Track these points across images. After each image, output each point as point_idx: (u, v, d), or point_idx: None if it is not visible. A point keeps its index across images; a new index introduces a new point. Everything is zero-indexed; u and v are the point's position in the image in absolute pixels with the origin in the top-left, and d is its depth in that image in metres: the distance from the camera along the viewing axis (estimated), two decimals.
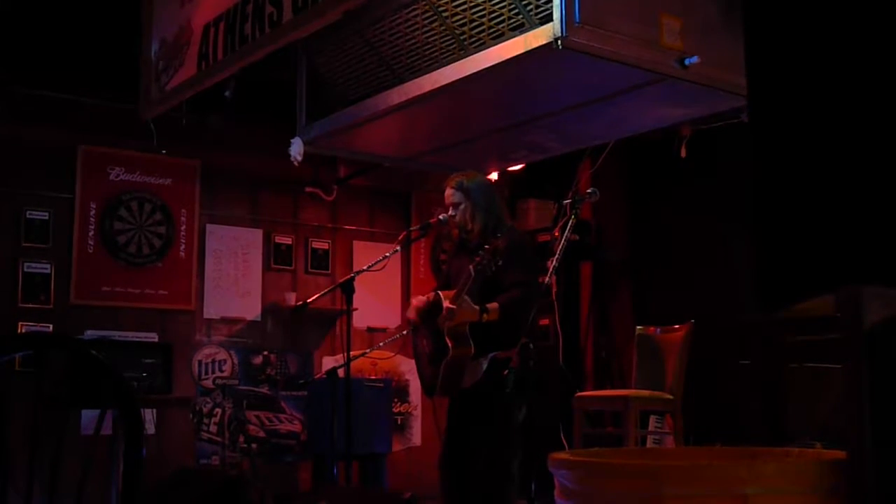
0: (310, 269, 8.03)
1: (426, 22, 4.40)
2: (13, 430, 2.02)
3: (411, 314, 4.86)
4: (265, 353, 7.72)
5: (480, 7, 4.12)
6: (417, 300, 4.87)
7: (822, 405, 4.99)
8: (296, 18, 4.81)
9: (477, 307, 4.41)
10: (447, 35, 4.32)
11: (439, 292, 4.65)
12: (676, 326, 5.95)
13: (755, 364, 5.70)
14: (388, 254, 5.26)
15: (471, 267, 4.38)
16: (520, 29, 3.95)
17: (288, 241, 7.97)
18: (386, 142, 5.69)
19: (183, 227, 7.49)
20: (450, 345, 4.49)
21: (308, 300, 5.95)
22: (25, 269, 6.80)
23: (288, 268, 7.94)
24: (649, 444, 6.61)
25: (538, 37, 3.82)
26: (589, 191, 4.66)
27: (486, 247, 4.35)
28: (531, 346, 4.19)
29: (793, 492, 1.97)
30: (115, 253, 7.17)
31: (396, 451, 7.79)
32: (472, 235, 4.65)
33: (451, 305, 4.41)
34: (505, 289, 4.49)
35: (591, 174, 7.34)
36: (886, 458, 1.83)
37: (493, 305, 4.44)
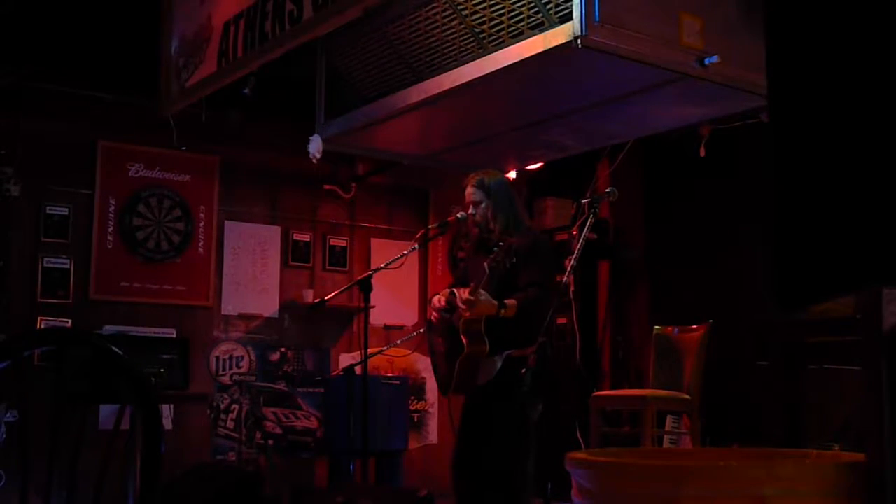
0: (327, 267, 8.05)
1: (446, 20, 4.40)
2: (32, 425, 2.03)
3: (433, 315, 4.84)
4: (282, 349, 7.73)
5: (500, 5, 4.12)
6: (437, 300, 4.84)
7: (841, 407, 4.97)
8: (316, 16, 4.82)
9: (495, 302, 4.41)
10: (467, 33, 4.32)
11: (454, 289, 4.66)
12: (694, 326, 5.93)
13: (773, 365, 5.66)
14: (405, 251, 5.27)
15: (485, 264, 4.38)
16: (539, 27, 3.95)
17: (306, 238, 7.99)
18: (404, 140, 5.69)
19: (201, 224, 7.51)
20: (464, 342, 4.49)
21: (325, 297, 5.97)
22: (45, 265, 6.84)
23: (306, 265, 7.96)
24: (666, 444, 6.60)
25: (557, 35, 3.82)
26: (607, 190, 4.63)
27: (501, 244, 4.35)
28: (548, 345, 4.19)
29: (811, 494, 1.96)
30: (133, 249, 7.20)
31: (413, 448, 7.79)
32: (492, 235, 4.63)
33: (469, 297, 4.40)
34: (522, 288, 4.49)
35: (610, 173, 7.33)
36: None
37: (511, 302, 4.44)
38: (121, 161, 7.23)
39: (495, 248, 4.37)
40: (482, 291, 4.39)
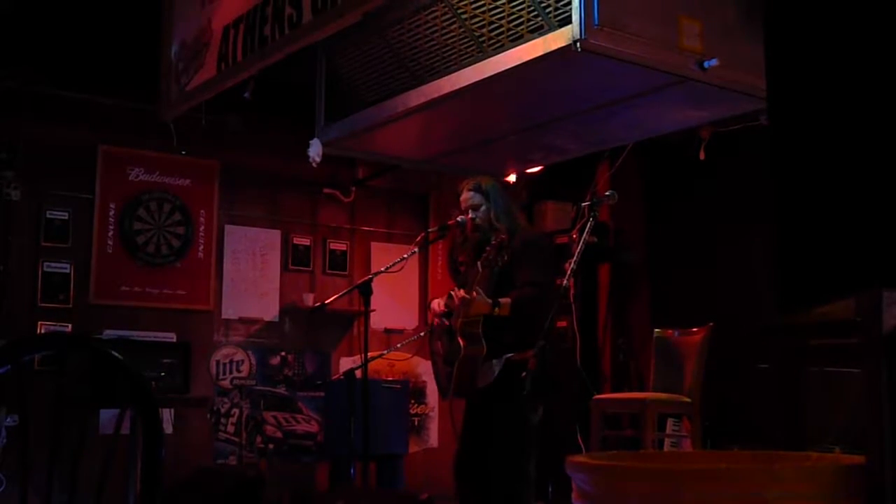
0: (327, 270, 8.05)
1: (445, 24, 4.40)
2: (33, 429, 2.03)
3: (434, 319, 4.87)
4: (283, 353, 7.73)
5: (499, 9, 4.11)
6: (437, 304, 4.87)
7: (842, 409, 4.96)
8: (315, 20, 4.82)
9: (489, 300, 4.42)
10: (466, 37, 4.31)
11: (452, 291, 4.67)
12: (695, 329, 5.92)
13: (774, 367, 5.67)
14: (405, 255, 5.27)
15: (479, 263, 4.40)
16: (539, 31, 3.94)
17: (306, 241, 7.99)
18: (404, 143, 5.69)
19: (201, 228, 7.51)
20: (462, 344, 4.50)
21: (326, 301, 5.96)
22: (45, 269, 6.84)
23: (306, 269, 7.96)
24: (667, 447, 6.59)
25: (557, 39, 3.82)
26: (607, 193, 4.64)
27: (493, 242, 4.37)
28: (549, 348, 4.18)
29: (812, 496, 1.96)
30: (133, 253, 7.20)
31: (413, 452, 7.79)
32: (497, 236, 4.62)
33: (465, 295, 4.42)
34: (518, 287, 4.50)
35: (610, 176, 7.33)
36: None
37: (506, 300, 4.45)
38: (121, 165, 7.24)
39: (486, 247, 4.38)
40: (477, 290, 4.40)
